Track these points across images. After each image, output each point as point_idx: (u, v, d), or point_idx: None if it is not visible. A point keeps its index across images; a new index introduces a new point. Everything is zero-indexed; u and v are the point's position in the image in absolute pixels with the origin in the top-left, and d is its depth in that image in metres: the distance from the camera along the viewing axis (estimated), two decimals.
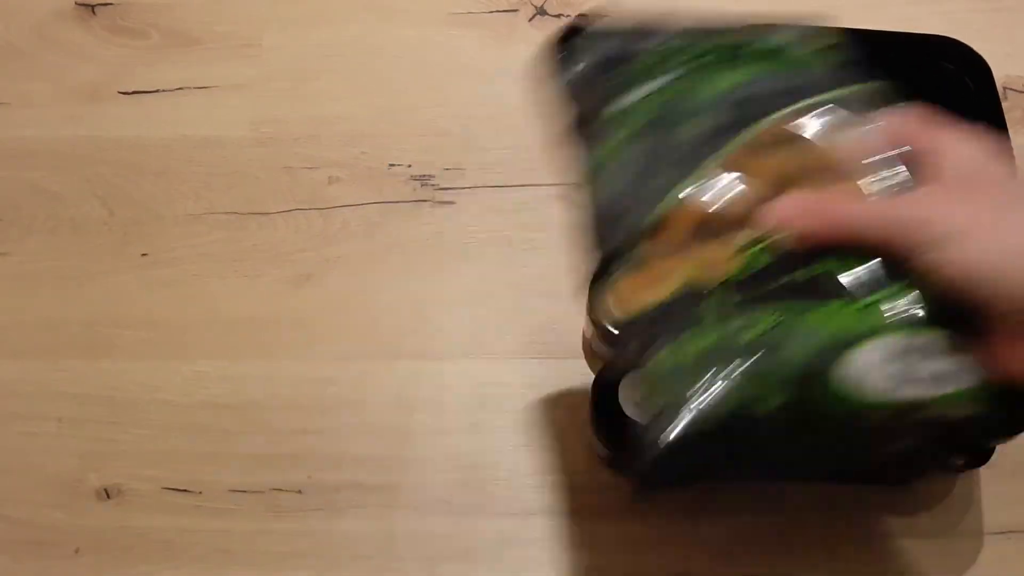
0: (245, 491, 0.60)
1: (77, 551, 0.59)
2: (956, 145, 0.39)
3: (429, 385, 0.63)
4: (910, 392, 0.35)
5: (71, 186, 0.70)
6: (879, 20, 0.63)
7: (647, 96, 0.42)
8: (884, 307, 0.36)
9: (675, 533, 0.58)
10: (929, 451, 0.43)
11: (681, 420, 0.35)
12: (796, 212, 0.38)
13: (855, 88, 0.41)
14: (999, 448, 0.59)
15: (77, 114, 0.73)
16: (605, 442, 0.52)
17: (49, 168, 0.71)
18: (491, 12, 0.77)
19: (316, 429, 0.61)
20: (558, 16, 0.77)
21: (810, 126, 0.40)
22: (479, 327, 0.64)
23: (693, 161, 0.40)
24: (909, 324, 0.36)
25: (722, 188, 0.39)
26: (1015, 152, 0.57)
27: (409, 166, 0.70)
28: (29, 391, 0.63)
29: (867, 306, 0.36)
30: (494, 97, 0.73)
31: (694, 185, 0.39)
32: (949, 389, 0.36)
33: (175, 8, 0.77)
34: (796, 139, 0.39)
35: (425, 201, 0.69)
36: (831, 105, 0.40)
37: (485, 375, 0.63)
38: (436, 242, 0.67)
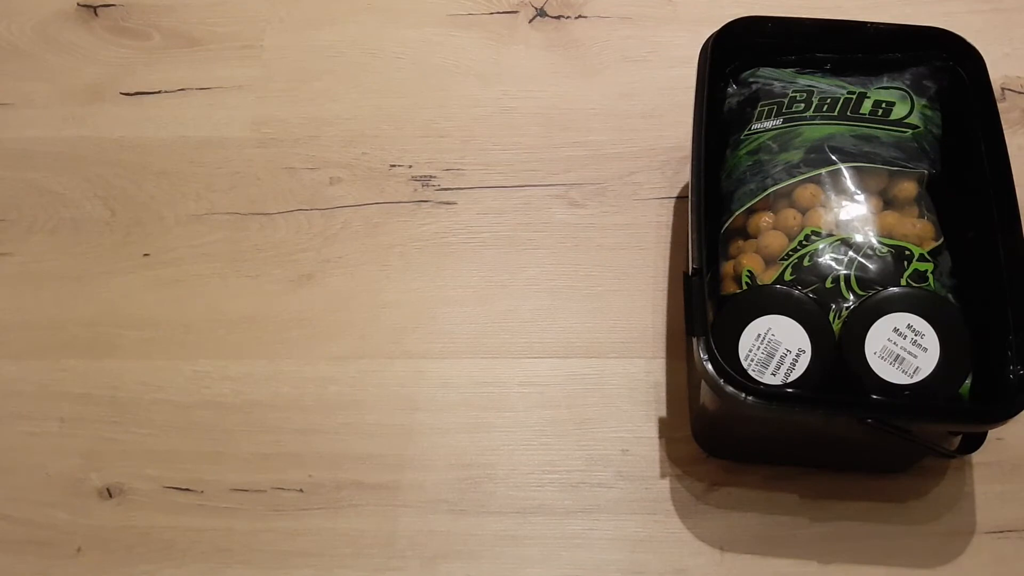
0: (246, 490, 0.60)
1: (79, 550, 0.59)
2: None
3: (429, 384, 0.63)
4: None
5: (73, 186, 0.70)
6: (878, 20, 0.63)
7: (770, 128, 0.59)
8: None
9: (673, 532, 0.58)
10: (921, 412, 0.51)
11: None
12: None
13: (900, 169, 0.56)
14: (997, 448, 0.60)
15: (79, 115, 0.73)
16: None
17: (51, 168, 0.71)
18: (491, 13, 0.77)
19: (317, 428, 0.62)
20: (558, 18, 0.77)
21: (848, 176, 0.56)
22: (479, 327, 0.65)
23: (776, 180, 0.57)
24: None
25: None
26: (1014, 153, 0.57)
27: (410, 167, 0.71)
28: (31, 391, 0.63)
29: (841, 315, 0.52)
30: (494, 98, 0.73)
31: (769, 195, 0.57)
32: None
33: (176, 9, 0.77)
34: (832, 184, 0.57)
35: (426, 201, 0.69)
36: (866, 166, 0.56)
37: (485, 375, 0.63)
38: (436, 242, 0.68)
